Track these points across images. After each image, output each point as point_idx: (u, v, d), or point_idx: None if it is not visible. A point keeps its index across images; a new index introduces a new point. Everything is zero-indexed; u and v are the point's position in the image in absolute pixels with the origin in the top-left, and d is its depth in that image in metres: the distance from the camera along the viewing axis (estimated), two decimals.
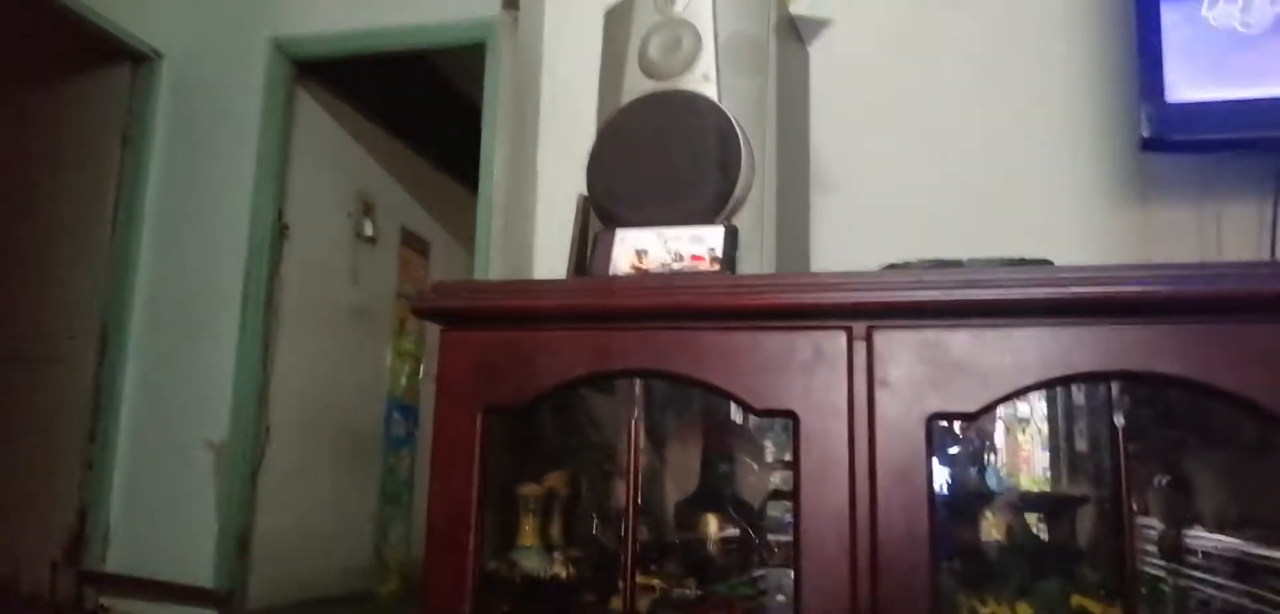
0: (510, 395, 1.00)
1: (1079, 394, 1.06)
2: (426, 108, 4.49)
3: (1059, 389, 1.08)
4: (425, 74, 4.31)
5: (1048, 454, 1.13)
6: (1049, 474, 1.13)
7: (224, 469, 3.24)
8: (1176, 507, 1.05)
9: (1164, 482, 1.08)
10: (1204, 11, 1.08)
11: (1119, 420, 0.96)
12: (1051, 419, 1.12)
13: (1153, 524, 1.05)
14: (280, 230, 3.48)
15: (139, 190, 3.45)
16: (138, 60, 3.48)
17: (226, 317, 3.34)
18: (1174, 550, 1.02)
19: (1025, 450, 1.14)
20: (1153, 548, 1.04)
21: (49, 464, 3.33)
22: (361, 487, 4.14)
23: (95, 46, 3.39)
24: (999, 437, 1.14)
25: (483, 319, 1.02)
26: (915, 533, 0.85)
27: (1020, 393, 0.86)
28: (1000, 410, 1.11)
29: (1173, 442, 1.05)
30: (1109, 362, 0.83)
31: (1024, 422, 1.13)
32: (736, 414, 1.22)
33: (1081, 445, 1.10)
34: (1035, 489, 1.13)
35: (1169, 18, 1.08)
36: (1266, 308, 0.79)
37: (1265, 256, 1.21)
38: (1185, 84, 1.08)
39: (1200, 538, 1.01)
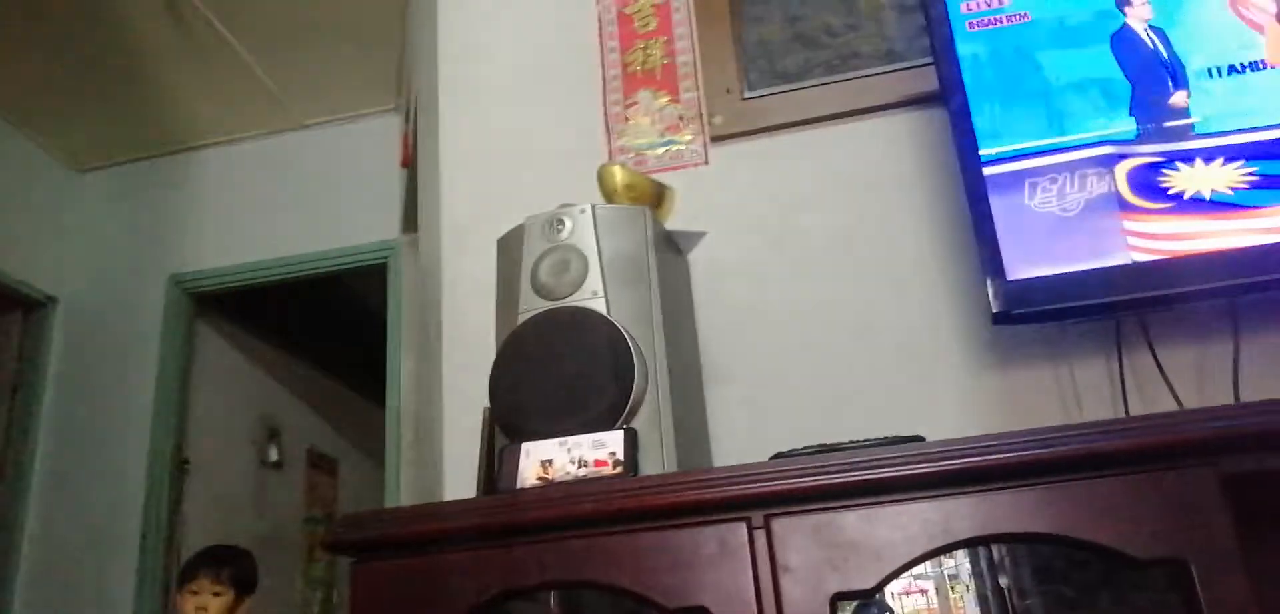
0: None
1: (997, 549, 1.11)
2: (330, 324, 4.48)
3: (982, 548, 1.13)
4: (328, 289, 4.32)
5: (978, 607, 1.16)
6: None
7: None
8: None
9: None
10: (1025, 200, 1.22)
11: (1004, 581, 1.03)
12: (976, 574, 1.16)
13: None
14: (180, 466, 3.37)
15: (28, 440, 3.30)
16: (30, 307, 3.41)
17: (123, 563, 3.16)
18: None
19: (960, 608, 1.17)
20: None
21: None
22: None
23: None
24: (932, 598, 1.17)
25: (393, 548, 1.02)
26: None
27: (911, 564, 0.91)
28: (930, 570, 1.16)
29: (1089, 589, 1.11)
30: (985, 526, 0.90)
31: (954, 578, 1.17)
32: None
33: (1014, 596, 1.13)
34: None
35: (998, 207, 1.22)
36: (1108, 463, 0.87)
37: (1119, 409, 1.32)
38: (1022, 263, 1.20)
39: None
